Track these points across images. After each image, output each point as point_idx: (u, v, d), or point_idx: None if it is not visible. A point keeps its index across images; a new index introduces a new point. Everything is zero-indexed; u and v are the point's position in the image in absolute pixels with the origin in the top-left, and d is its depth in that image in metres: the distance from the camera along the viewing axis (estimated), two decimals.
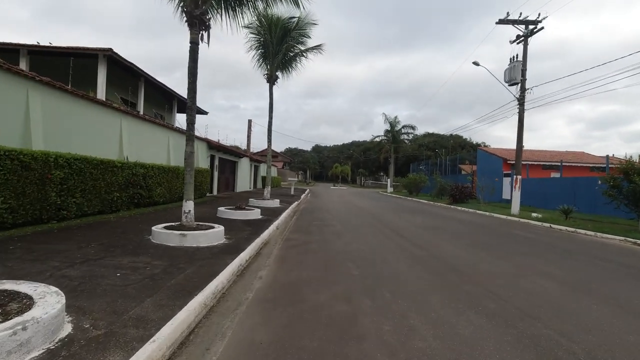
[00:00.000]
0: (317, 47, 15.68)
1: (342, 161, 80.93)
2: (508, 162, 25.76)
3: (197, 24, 6.63)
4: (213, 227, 6.75)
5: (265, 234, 7.67)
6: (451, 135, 59.43)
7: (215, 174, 20.94)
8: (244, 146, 39.12)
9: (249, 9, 8.08)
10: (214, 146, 20.32)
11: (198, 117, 31.34)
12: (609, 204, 11.79)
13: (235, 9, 7.90)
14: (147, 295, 3.56)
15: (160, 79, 19.54)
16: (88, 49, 14.98)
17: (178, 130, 16.25)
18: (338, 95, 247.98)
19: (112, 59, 15.22)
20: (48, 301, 2.63)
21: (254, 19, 14.41)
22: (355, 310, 3.65)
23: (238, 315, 3.48)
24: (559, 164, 23.57)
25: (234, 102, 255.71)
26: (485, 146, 41.10)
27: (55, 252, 4.95)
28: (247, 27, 14.92)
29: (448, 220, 13.71)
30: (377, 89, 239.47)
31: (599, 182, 13.14)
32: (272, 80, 15.10)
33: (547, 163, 26.33)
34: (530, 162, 24.96)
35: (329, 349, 2.80)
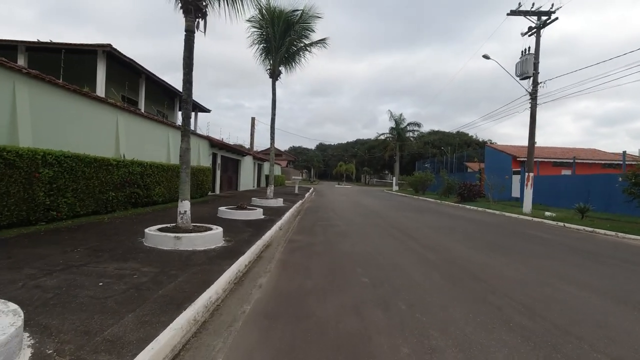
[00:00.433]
0: (321, 41, 15.16)
1: (347, 159, 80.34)
2: (517, 159, 25.06)
3: (193, 11, 6.16)
4: (211, 229, 6.30)
5: (267, 236, 7.21)
6: (457, 132, 58.54)
7: (218, 172, 20.52)
8: (248, 145, 38.73)
9: None
10: (216, 144, 19.89)
11: (200, 115, 30.98)
12: (629, 202, 11.18)
13: None
14: (129, 309, 3.11)
15: (165, 78, 19.18)
16: (87, 45, 14.60)
17: (178, 128, 15.83)
18: (342, 94, 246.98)
19: (111, 55, 14.81)
20: (0, 323, 2.18)
21: (255, 11, 14.00)
22: (368, 327, 3.17)
23: (232, 333, 3.02)
24: (570, 161, 22.84)
25: (238, 100, 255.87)
26: (491, 143, 40.29)
27: (36, 257, 4.52)
28: (249, 20, 14.50)
29: (458, 219, 13.16)
30: (381, 87, 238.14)
31: (620, 179, 12.51)
32: (275, 75, 14.61)
33: (558, 160, 25.57)
34: (540, 159, 24.22)
35: None
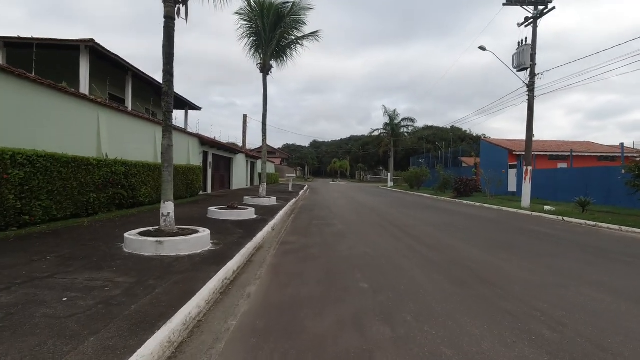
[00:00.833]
0: (314, 34, 14.65)
1: (341, 156, 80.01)
2: (513, 153, 24.85)
3: None
4: (197, 232, 5.83)
5: (258, 237, 6.76)
6: (451, 127, 58.40)
7: (209, 171, 19.98)
8: (241, 143, 38.10)
9: None
10: (206, 142, 19.34)
11: (191, 113, 30.29)
12: (632, 195, 10.91)
13: None
14: (93, 331, 2.66)
15: (157, 77, 18.44)
16: (68, 40, 13.93)
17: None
18: (336, 91, 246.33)
19: (95, 50, 14.17)
20: None
21: (244, 3, 13.47)
22: (370, 344, 2.76)
23: (213, 357, 2.58)
24: (567, 154, 22.67)
25: (230, 98, 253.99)
26: (485, 138, 40.08)
27: None
28: (237, 13, 13.97)
29: (456, 215, 12.82)
30: (375, 83, 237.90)
31: (623, 171, 12.24)
32: (265, 70, 14.10)
33: (555, 153, 25.41)
34: (536, 153, 24.01)
35: None
